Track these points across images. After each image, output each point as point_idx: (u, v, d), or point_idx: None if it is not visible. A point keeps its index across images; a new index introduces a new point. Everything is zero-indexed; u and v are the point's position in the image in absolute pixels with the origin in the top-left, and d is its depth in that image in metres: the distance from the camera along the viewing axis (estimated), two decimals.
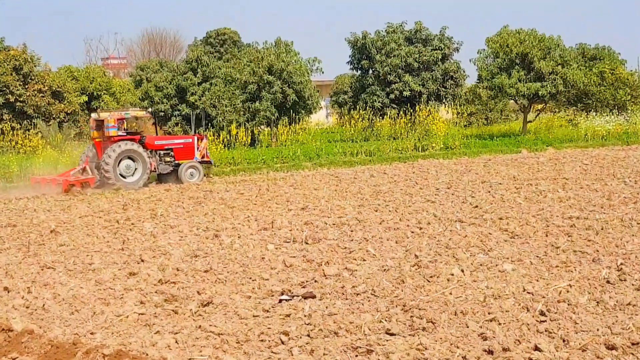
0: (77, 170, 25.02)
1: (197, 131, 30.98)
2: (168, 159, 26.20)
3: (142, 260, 12.41)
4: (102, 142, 25.16)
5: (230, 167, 29.84)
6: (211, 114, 36.93)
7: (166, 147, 26.32)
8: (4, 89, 35.49)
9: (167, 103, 39.21)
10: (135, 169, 24.96)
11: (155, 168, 25.82)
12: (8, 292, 10.70)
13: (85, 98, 39.90)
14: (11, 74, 35.90)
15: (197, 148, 26.63)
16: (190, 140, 26.80)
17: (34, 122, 35.74)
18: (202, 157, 26.78)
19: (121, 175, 24.64)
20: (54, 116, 37.01)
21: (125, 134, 25.56)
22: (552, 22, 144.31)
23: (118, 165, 24.57)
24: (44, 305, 9.89)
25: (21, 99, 35.93)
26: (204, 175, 26.78)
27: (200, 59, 39.88)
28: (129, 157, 24.83)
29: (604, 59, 45.07)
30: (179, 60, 52.93)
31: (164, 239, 14.33)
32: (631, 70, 44.31)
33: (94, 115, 25.83)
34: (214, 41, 57.86)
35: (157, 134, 31.36)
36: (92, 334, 8.68)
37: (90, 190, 23.80)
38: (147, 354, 7.88)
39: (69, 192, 23.39)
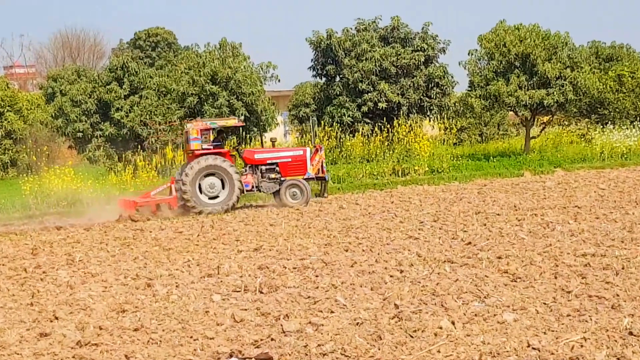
0: (158, 190, 26.24)
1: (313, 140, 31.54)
2: (273, 175, 26.78)
3: (56, 318, 12.32)
4: (190, 157, 26.16)
5: None
6: (141, 134, 36.87)
7: (269, 161, 26.90)
8: None
9: (86, 121, 39.10)
10: (223, 188, 25.75)
11: (254, 186, 26.54)
12: None
13: None
14: None
15: (311, 162, 26.95)
16: (302, 152, 27.40)
17: None
18: (317, 172, 27.23)
19: (205, 195, 25.62)
20: None
21: (211, 147, 26.29)
22: (558, 16, 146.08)
23: (200, 183, 25.53)
24: None
25: None
26: (322, 195, 27.88)
27: (127, 66, 39.86)
28: (215, 174, 25.66)
29: (622, 59, 45.62)
30: (101, 68, 52.90)
31: (84, 291, 14.25)
32: None
33: (185, 127, 27.28)
34: (144, 44, 58.04)
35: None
36: None
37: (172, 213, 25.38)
38: None
39: (134, 216, 24.64)
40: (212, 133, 26.74)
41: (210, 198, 25.75)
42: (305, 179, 26.90)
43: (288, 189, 26.48)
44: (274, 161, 26.88)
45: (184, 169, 26.23)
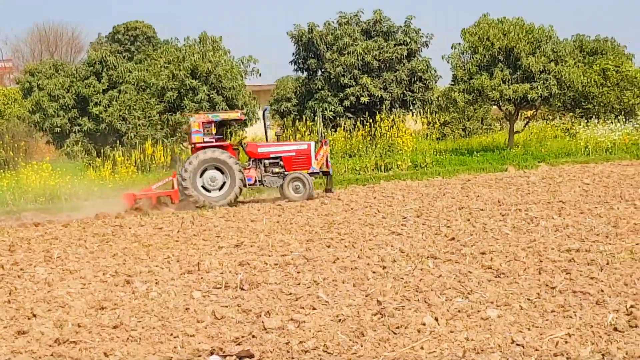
0: (159, 184, 26.65)
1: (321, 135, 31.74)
2: (276, 169, 27.10)
3: (34, 315, 12.25)
4: (193, 150, 26.66)
5: None
6: (120, 129, 36.74)
7: (272, 155, 27.19)
8: None
9: (64, 116, 38.95)
10: (224, 181, 26.10)
11: (257, 180, 26.92)
12: None
13: None
14: None
15: (316, 156, 27.19)
16: (306, 146, 27.70)
17: None
18: (321, 167, 27.47)
19: (205, 188, 26.02)
20: None
21: (213, 140, 26.61)
22: (542, 9, 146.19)
23: (201, 176, 25.91)
24: None
25: None
26: (329, 190, 27.92)
27: (105, 60, 39.72)
28: (216, 168, 26.05)
29: (606, 53, 45.68)
30: (79, 62, 52.66)
31: (62, 288, 14.17)
32: None
33: (188, 120, 27.83)
34: (123, 38, 57.77)
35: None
36: None
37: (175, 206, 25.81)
38: None
39: (137, 209, 25.29)
40: (214, 126, 26.82)
41: (212, 191, 26.03)
42: (309, 174, 27.03)
43: (290, 183, 26.65)
44: (277, 155, 27.15)
45: (185, 161, 26.48)
